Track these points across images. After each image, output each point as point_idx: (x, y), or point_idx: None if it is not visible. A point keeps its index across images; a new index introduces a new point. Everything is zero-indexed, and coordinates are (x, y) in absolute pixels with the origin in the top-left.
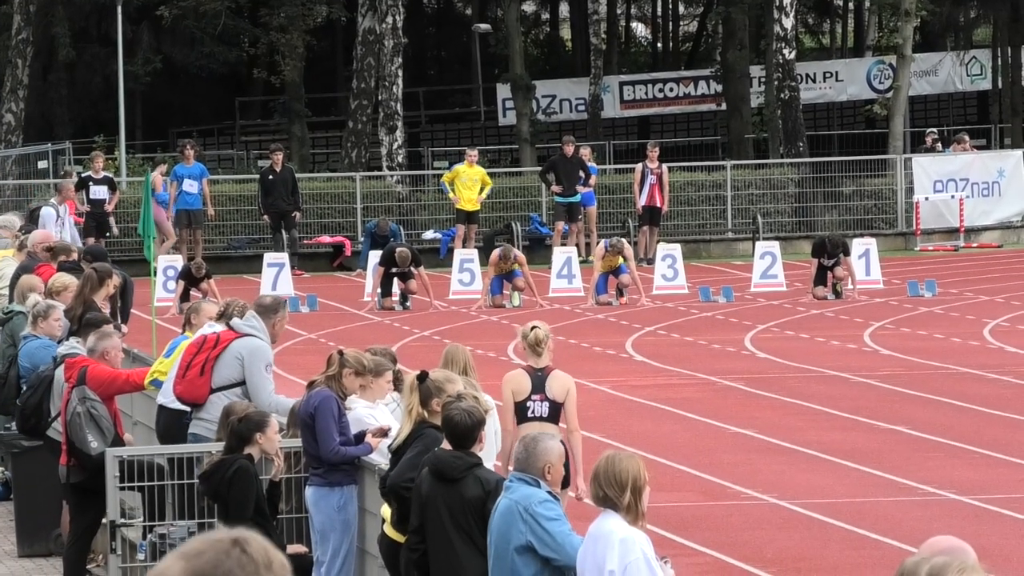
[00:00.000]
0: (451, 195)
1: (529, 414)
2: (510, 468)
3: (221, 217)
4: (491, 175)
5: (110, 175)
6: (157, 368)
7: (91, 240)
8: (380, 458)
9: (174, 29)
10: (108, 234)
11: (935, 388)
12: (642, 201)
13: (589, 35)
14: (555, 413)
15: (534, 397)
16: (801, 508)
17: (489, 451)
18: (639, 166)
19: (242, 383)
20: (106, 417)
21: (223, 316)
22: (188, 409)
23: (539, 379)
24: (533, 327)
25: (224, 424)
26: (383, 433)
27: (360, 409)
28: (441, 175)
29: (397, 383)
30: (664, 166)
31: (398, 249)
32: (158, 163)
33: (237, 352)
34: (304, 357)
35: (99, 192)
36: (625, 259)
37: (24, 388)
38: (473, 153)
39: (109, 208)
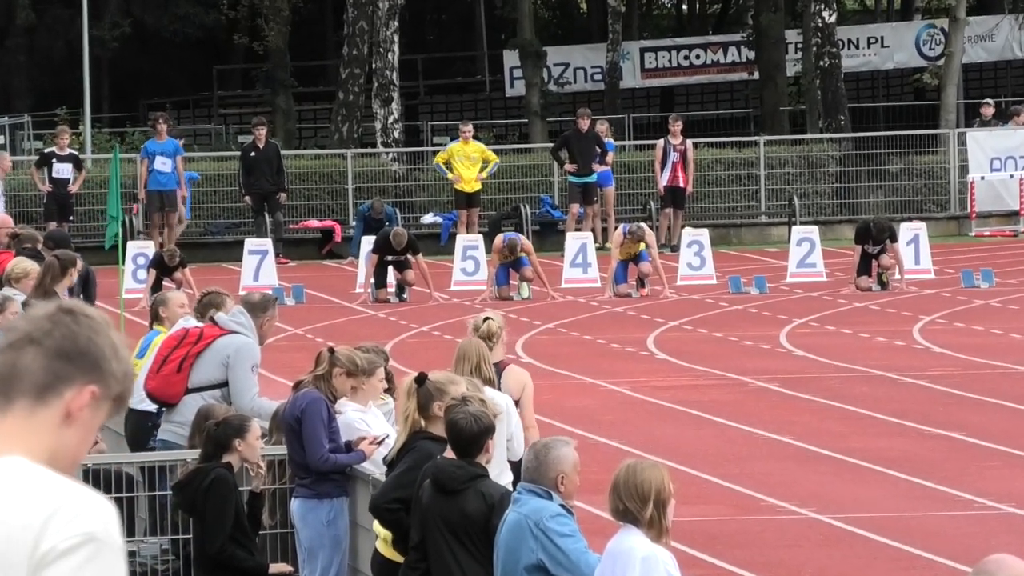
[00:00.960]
0: (449, 175)
1: None
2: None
3: (198, 199)
4: (498, 152)
5: (75, 152)
6: None
7: (52, 224)
8: (373, 467)
9: None
10: (71, 218)
11: (992, 390)
12: (664, 181)
13: None
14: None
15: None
16: (843, 523)
17: (500, 459)
18: (660, 142)
19: (222, 385)
20: None
21: (199, 307)
22: (160, 411)
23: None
24: (486, 319)
25: (200, 429)
26: (379, 442)
27: (350, 413)
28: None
29: (391, 382)
30: (688, 142)
31: (394, 231)
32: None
33: (221, 350)
34: (290, 355)
35: (63, 171)
36: (647, 246)
37: None
38: (467, 128)
39: (73, 188)
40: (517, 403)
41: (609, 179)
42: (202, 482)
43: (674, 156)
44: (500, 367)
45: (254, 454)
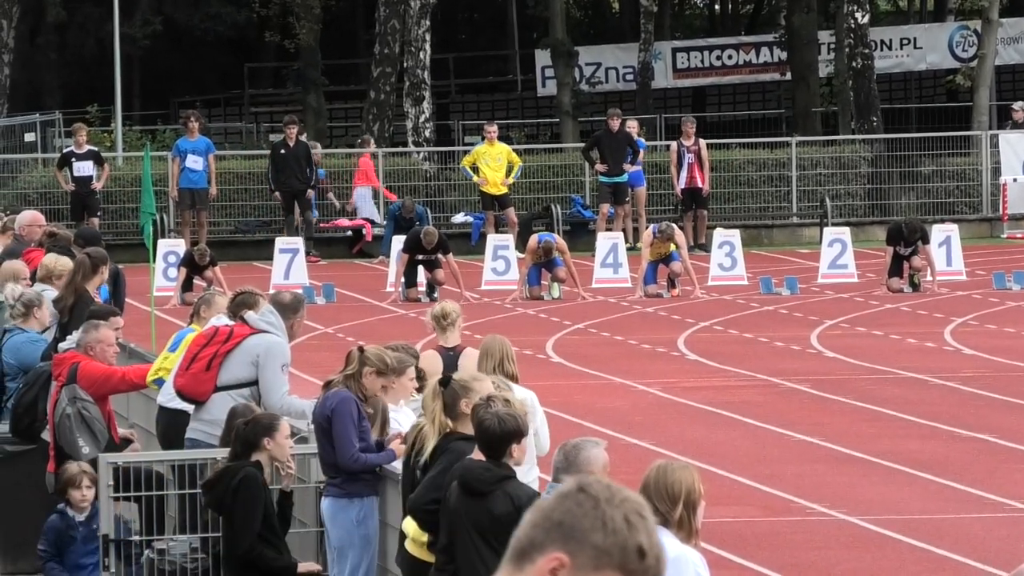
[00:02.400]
0: (475, 178)
1: None
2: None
3: (228, 197)
4: (529, 152)
5: (95, 148)
6: (161, 365)
7: (83, 222)
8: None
9: None
10: (100, 214)
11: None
12: (681, 184)
13: None
14: None
15: None
16: (873, 525)
17: (529, 455)
18: (673, 145)
19: (251, 383)
20: (99, 419)
21: (231, 307)
22: (190, 409)
23: (451, 358)
24: (442, 303)
25: (230, 428)
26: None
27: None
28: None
29: (421, 381)
30: (702, 141)
31: (425, 230)
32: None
33: (251, 350)
34: (320, 354)
35: (83, 168)
36: (677, 246)
37: (15, 386)
38: (492, 129)
39: (97, 186)
40: None
41: (640, 179)
42: (231, 481)
43: (689, 157)
44: (457, 351)
45: (284, 453)
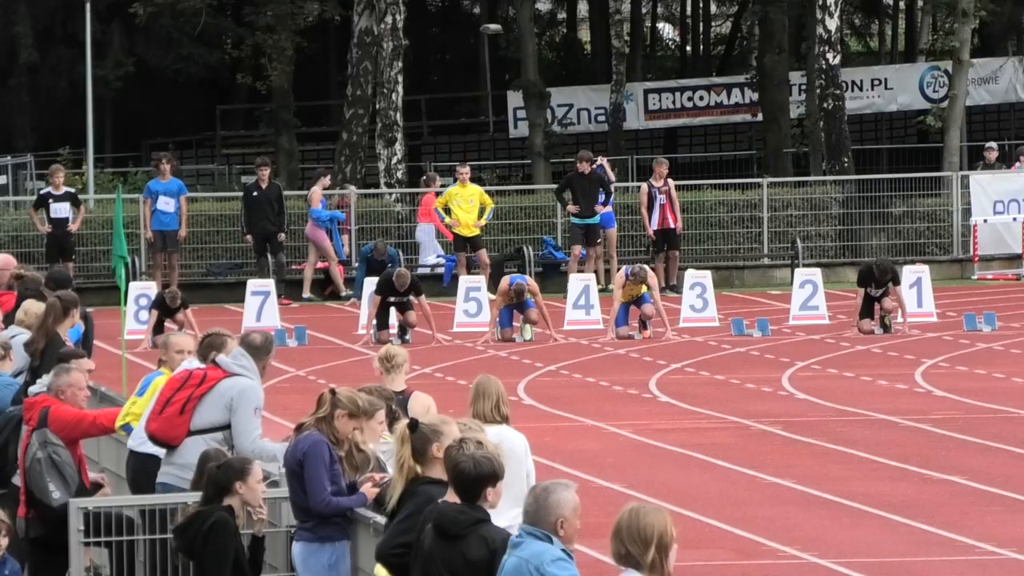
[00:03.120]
0: (447, 220)
1: None
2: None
3: (200, 239)
4: (501, 193)
5: (72, 191)
6: (129, 410)
7: (56, 265)
8: (375, 512)
9: (148, 29)
10: (73, 257)
11: (995, 434)
12: (653, 225)
13: (610, 37)
14: None
15: None
16: (844, 568)
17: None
18: (644, 186)
19: (224, 427)
20: (70, 464)
21: (200, 349)
22: (161, 454)
23: (400, 402)
24: (387, 345)
25: (201, 472)
26: (382, 484)
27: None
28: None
29: (392, 423)
30: (671, 182)
31: (397, 272)
32: (319, 176)
33: (224, 393)
34: (291, 396)
35: (60, 210)
36: (648, 288)
37: None
38: (464, 170)
39: (73, 227)
40: None
41: (611, 221)
42: (202, 525)
43: (661, 199)
44: (405, 394)
45: (256, 497)
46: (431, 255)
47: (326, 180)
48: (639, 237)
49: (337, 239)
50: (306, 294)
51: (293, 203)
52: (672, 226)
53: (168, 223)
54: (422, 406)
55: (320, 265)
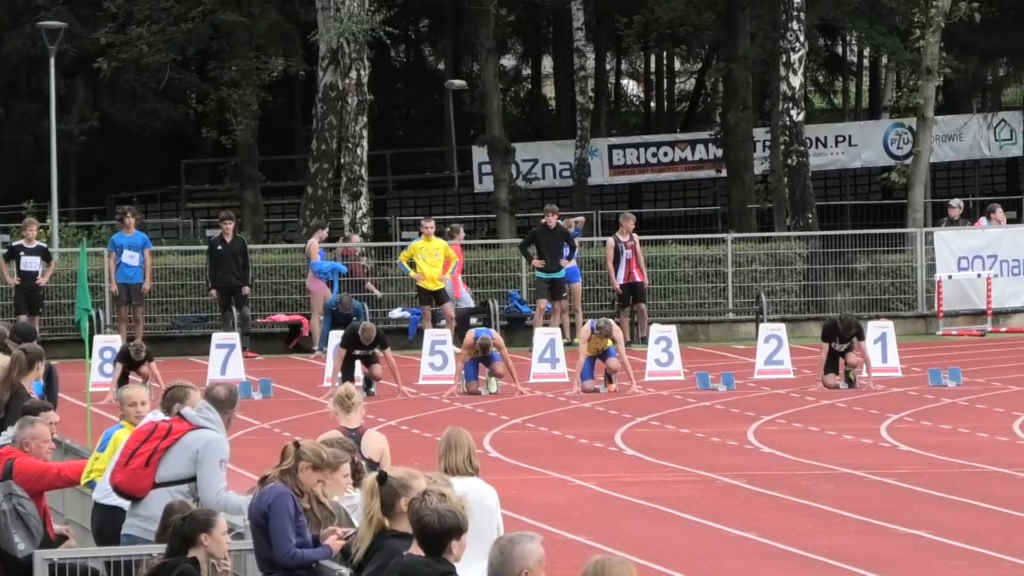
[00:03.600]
0: (412, 273)
1: None
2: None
3: (165, 293)
4: (466, 247)
5: (43, 244)
6: (93, 466)
7: (23, 317)
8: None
9: (113, 83)
10: (40, 311)
11: (960, 489)
12: (620, 279)
13: (575, 93)
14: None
15: None
16: None
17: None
18: (610, 241)
19: (189, 480)
20: (35, 515)
21: (164, 402)
22: (126, 506)
23: (354, 439)
24: (344, 386)
25: (166, 524)
26: (346, 537)
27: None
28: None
29: (356, 476)
30: (636, 237)
31: (363, 326)
32: (316, 229)
33: (190, 445)
34: (256, 449)
35: (31, 263)
36: (614, 341)
37: None
38: (429, 224)
39: (42, 281)
40: (378, 464)
41: (576, 275)
42: None
43: (627, 253)
44: (359, 432)
45: (220, 549)
46: (460, 304)
47: (323, 232)
48: (605, 291)
49: (335, 293)
50: (315, 346)
51: (258, 256)
52: (638, 280)
53: (132, 276)
54: (375, 444)
55: (288, 318)
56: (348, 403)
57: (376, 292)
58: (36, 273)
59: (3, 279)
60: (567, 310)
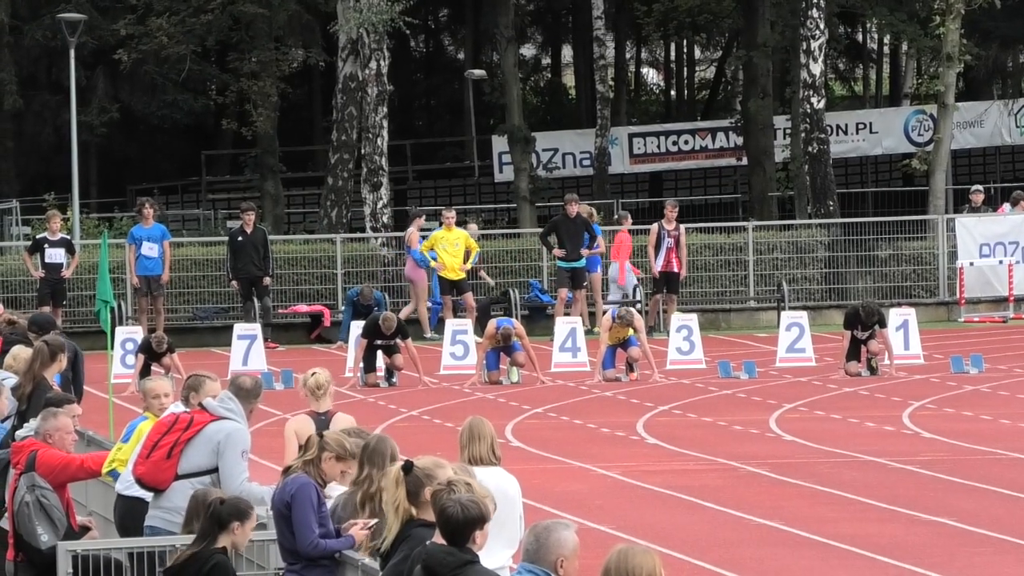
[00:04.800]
0: (433, 263)
1: None
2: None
3: (186, 284)
4: (486, 237)
5: (67, 237)
6: (115, 456)
7: (46, 309)
8: (363, 553)
9: (133, 75)
10: (65, 303)
11: (983, 475)
12: (658, 266)
13: (595, 82)
14: None
15: None
16: None
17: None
18: (655, 227)
19: (211, 471)
20: (58, 507)
21: (182, 391)
22: (149, 497)
23: (322, 423)
24: (313, 373)
25: (196, 514)
26: (369, 527)
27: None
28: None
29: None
30: (682, 227)
31: (383, 316)
32: (414, 216)
33: (212, 437)
34: (278, 440)
35: (55, 255)
36: (635, 331)
37: None
38: (450, 214)
39: (66, 274)
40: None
41: (596, 265)
42: (201, 567)
43: (668, 241)
44: (328, 416)
45: (245, 542)
46: (616, 294)
47: (421, 220)
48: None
49: (435, 280)
50: (427, 333)
51: (279, 247)
52: (675, 270)
53: (152, 268)
54: (345, 426)
55: (309, 309)
56: (318, 392)
57: (489, 280)
58: (61, 265)
59: (28, 272)
60: (585, 299)
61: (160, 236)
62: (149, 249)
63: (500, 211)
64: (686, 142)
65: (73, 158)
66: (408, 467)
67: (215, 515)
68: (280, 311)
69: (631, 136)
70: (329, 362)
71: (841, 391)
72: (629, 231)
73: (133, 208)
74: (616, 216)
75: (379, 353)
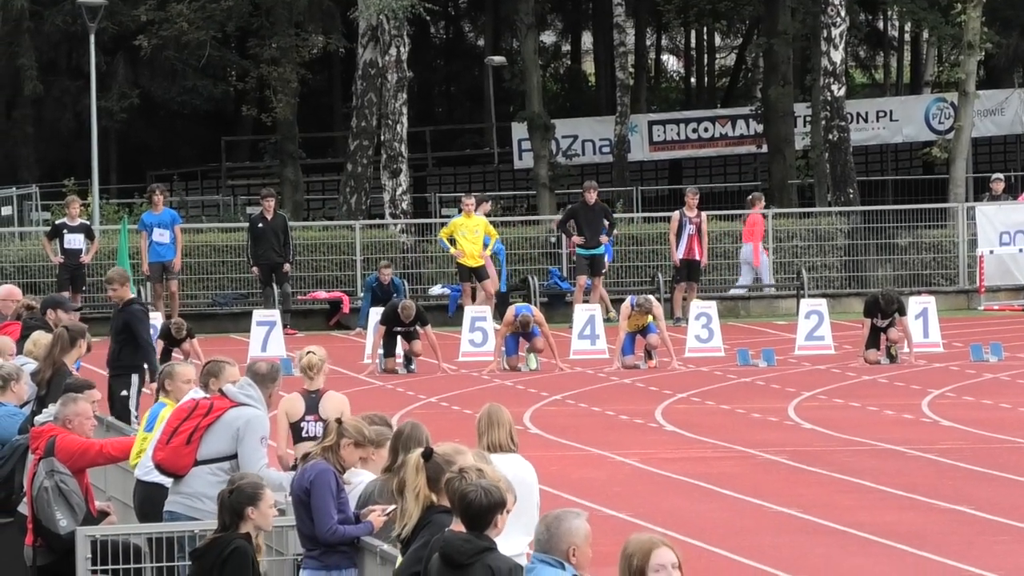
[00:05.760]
0: (452, 250)
1: (304, 434)
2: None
3: (205, 270)
4: (505, 224)
5: (87, 222)
6: (141, 447)
7: (66, 294)
8: (382, 540)
9: (153, 61)
10: (84, 288)
11: (1002, 464)
12: (679, 254)
13: (615, 69)
14: None
15: (308, 418)
16: None
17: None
18: (676, 214)
19: (230, 457)
20: (77, 492)
21: (201, 377)
22: (168, 483)
23: (312, 400)
24: (308, 352)
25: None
26: (387, 513)
27: (367, 482)
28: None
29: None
30: (703, 214)
31: (402, 304)
32: (482, 201)
33: (231, 423)
34: None
35: (74, 241)
36: (655, 318)
37: None
38: (470, 201)
39: (86, 259)
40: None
41: (608, 253)
42: (221, 552)
43: (690, 229)
44: (319, 394)
45: (268, 522)
46: (748, 276)
47: (488, 205)
48: (645, 267)
49: (503, 268)
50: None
51: (298, 234)
52: (697, 258)
53: (164, 254)
54: (334, 404)
55: (328, 295)
56: (311, 372)
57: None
58: (80, 251)
59: (47, 257)
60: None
61: (171, 221)
62: (160, 235)
63: (520, 198)
64: (706, 130)
65: (93, 144)
66: (428, 454)
67: (227, 507)
68: (299, 297)
69: (651, 123)
70: (348, 349)
71: (860, 379)
72: (762, 213)
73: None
74: (749, 198)
75: (398, 339)
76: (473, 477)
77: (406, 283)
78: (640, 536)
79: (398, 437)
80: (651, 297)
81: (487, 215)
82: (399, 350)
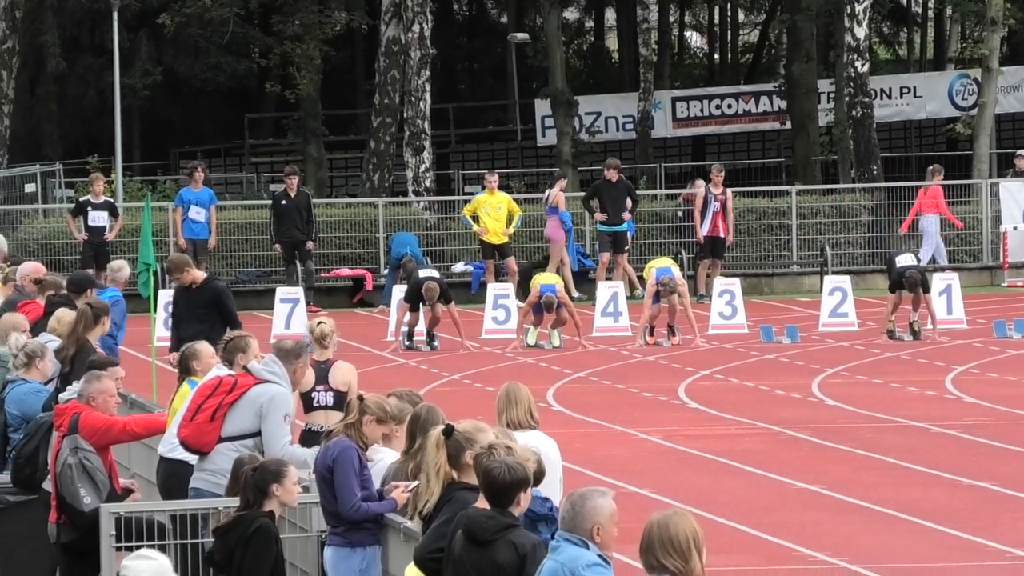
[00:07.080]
0: (475, 227)
1: (315, 403)
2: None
3: (228, 247)
4: (529, 201)
5: (111, 200)
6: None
7: (90, 272)
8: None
9: (176, 38)
10: (108, 265)
11: None
12: (704, 231)
13: (638, 45)
14: (339, 402)
15: (318, 388)
16: (875, 573)
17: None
18: (701, 191)
19: (254, 434)
20: (100, 469)
21: (224, 353)
22: (192, 460)
23: (322, 371)
24: (320, 322)
25: (236, 478)
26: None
27: (389, 459)
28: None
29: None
30: (729, 191)
31: (426, 286)
32: (558, 178)
33: (255, 400)
34: None
35: (99, 218)
36: (679, 295)
37: (18, 437)
38: (493, 178)
39: (110, 237)
40: (345, 395)
41: (630, 229)
42: (245, 529)
43: (715, 206)
44: (328, 364)
45: (293, 499)
46: (929, 246)
47: (563, 182)
48: (668, 244)
49: (572, 244)
50: (574, 293)
51: (322, 211)
52: (722, 235)
53: (199, 232)
54: (343, 374)
55: (351, 273)
56: (323, 342)
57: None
58: (104, 228)
59: (71, 234)
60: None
61: (208, 200)
62: (196, 213)
63: (543, 175)
64: (729, 106)
65: (116, 121)
66: (449, 431)
67: (251, 485)
68: (322, 275)
69: (674, 100)
70: (371, 326)
71: (883, 356)
72: (942, 185)
73: (176, 171)
74: (930, 168)
75: (423, 309)
76: (501, 454)
77: (429, 260)
78: (673, 514)
79: (415, 421)
80: (677, 275)
81: (563, 190)
82: (421, 327)
